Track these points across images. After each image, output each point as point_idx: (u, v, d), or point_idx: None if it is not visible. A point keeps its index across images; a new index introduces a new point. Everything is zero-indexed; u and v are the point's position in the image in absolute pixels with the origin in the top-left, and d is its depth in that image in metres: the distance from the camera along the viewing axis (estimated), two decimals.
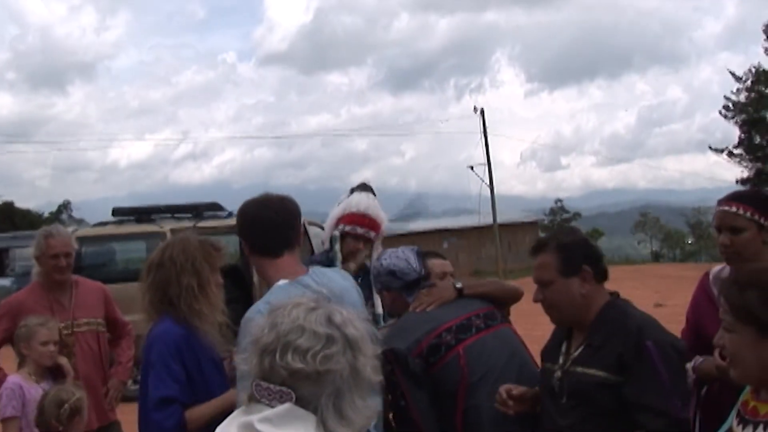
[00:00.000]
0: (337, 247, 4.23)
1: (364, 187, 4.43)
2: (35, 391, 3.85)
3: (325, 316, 1.61)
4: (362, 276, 4.05)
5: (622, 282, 22.39)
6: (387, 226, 4.43)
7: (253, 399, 1.59)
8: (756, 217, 3.00)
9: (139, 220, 10.54)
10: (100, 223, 10.63)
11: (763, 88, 39.50)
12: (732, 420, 2.02)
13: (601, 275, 2.75)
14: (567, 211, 64.17)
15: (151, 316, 3.05)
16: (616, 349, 2.60)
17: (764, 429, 1.85)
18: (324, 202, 4.31)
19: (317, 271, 2.74)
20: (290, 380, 1.55)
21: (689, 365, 3.25)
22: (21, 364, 4.02)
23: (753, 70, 39.89)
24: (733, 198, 3.12)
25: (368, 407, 1.62)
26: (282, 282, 2.61)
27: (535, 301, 2.80)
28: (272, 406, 1.55)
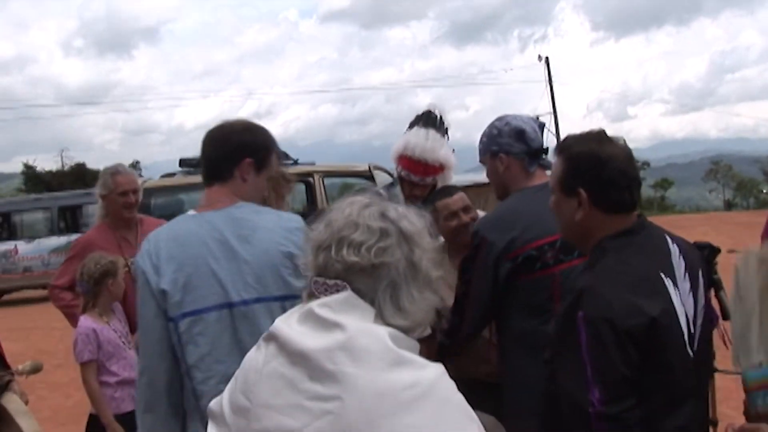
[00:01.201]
0: (397, 189, 4.05)
1: (427, 120, 4.04)
2: (107, 331, 3.99)
3: (379, 211, 1.61)
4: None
5: (693, 229, 21.96)
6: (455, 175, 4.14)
7: (311, 296, 1.60)
8: None
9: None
10: (167, 174, 10.73)
11: None
12: None
13: (611, 205, 2.24)
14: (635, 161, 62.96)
15: None
16: (561, 310, 2.23)
17: None
18: (389, 157, 4.07)
19: (244, 208, 2.53)
20: (345, 274, 1.56)
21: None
22: (87, 307, 4.08)
23: None
24: None
25: (426, 300, 1.61)
26: (187, 213, 2.60)
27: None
28: None
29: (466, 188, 3.97)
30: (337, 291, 1.56)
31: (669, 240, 2.27)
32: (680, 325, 2.13)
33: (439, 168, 3.95)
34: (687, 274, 2.21)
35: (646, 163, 65.35)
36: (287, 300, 2.37)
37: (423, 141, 3.87)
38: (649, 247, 2.23)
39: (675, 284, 2.16)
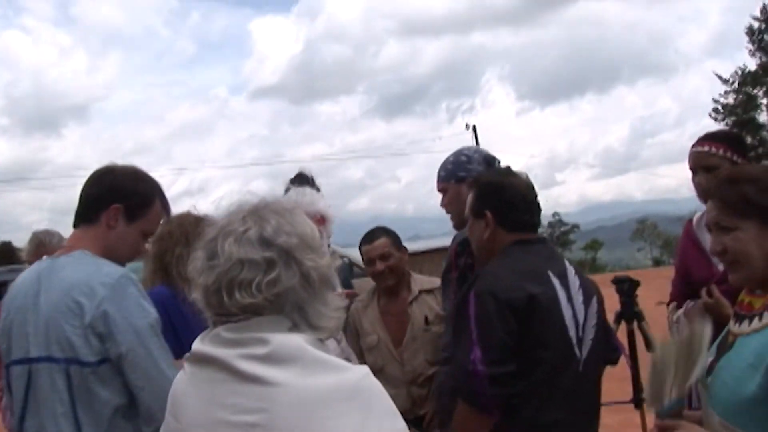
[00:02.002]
0: None
1: (301, 180, 4.24)
2: None
3: (257, 235, 1.55)
4: None
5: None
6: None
7: (216, 325, 1.59)
8: (728, 154, 3.08)
9: None
10: None
11: (751, 89, 39.81)
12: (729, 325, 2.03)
13: (512, 225, 2.60)
14: (565, 224, 64.25)
15: (149, 283, 3.17)
16: (457, 299, 2.61)
17: (759, 320, 1.87)
18: None
19: (73, 256, 2.37)
20: (247, 311, 1.53)
21: (680, 311, 3.32)
22: None
23: (739, 72, 40.26)
24: (705, 138, 3.20)
25: (332, 309, 1.61)
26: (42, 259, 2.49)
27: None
28: None
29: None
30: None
31: (566, 262, 2.61)
32: (562, 315, 2.43)
33: (321, 220, 3.90)
34: (581, 291, 2.53)
35: (576, 226, 66.77)
36: (71, 364, 2.21)
37: (301, 197, 3.92)
38: (545, 254, 2.59)
39: (564, 286, 2.47)
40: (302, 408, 1.42)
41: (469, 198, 2.71)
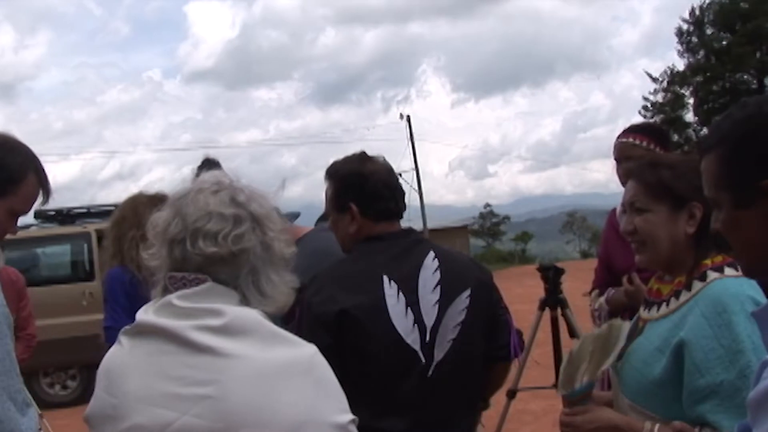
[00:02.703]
0: None
1: (210, 165, 4.19)
2: None
3: (229, 196, 1.58)
4: None
5: None
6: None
7: (166, 291, 1.56)
8: (651, 146, 3.18)
9: (62, 222, 10.28)
10: (22, 226, 10.33)
11: (678, 89, 40.98)
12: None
13: (376, 215, 2.44)
14: (496, 215, 65.13)
15: (108, 266, 3.46)
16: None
17: (666, 306, 1.94)
18: None
19: None
20: (205, 265, 1.53)
21: (602, 298, 3.40)
22: None
23: (669, 71, 41.39)
24: (630, 130, 3.30)
25: (285, 282, 1.62)
26: None
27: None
28: None
29: None
30: (197, 284, 1.52)
31: (431, 255, 2.42)
32: (390, 323, 2.28)
33: None
34: (439, 290, 2.37)
35: (507, 218, 67.83)
36: None
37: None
38: (393, 252, 2.42)
39: (405, 290, 2.33)
40: (258, 380, 1.41)
41: (329, 191, 2.53)
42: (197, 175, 4.15)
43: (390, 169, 2.54)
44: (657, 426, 1.83)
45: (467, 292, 2.40)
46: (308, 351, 1.51)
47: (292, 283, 1.64)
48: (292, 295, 1.65)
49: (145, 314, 1.55)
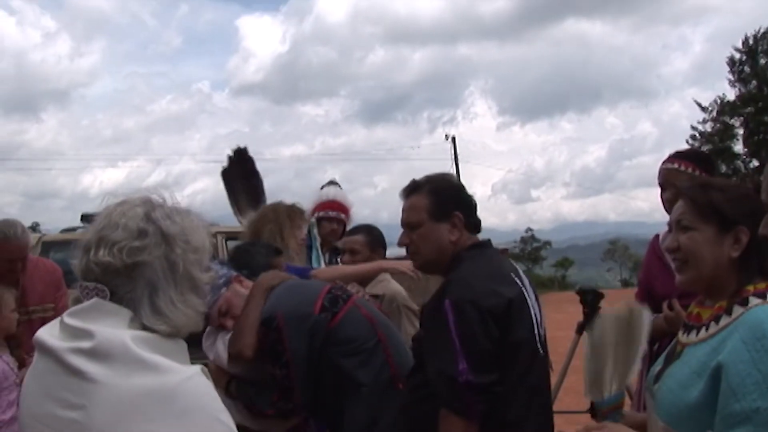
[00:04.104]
0: (315, 231, 4.63)
1: (331, 182, 5.00)
2: (1, 363, 3.85)
3: (144, 212, 1.58)
4: (332, 255, 4.68)
5: None
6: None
7: (79, 300, 1.57)
8: (696, 172, 3.17)
9: None
10: (68, 229, 10.53)
11: (728, 119, 40.40)
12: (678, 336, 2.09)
13: (473, 225, 2.63)
14: (537, 240, 64.65)
15: None
16: (428, 306, 2.54)
17: (706, 330, 1.91)
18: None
19: None
20: (103, 275, 1.52)
21: None
22: None
23: (718, 101, 40.85)
24: (675, 156, 3.30)
25: (188, 304, 1.58)
26: None
27: (400, 244, 2.73)
28: None
29: None
30: (96, 294, 1.52)
31: (511, 261, 2.70)
32: (531, 313, 2.47)
33: (347, 208, 4.79)
34: (532, 289, 2.58)
35: (548, 243, 67.25)
36: None
37: (333, 190, 4.86)
38: (497, 257, 2.67)
39: (524, 285, 2.52)
40: (117, 408, 1.40)
41: (424, 203, 2.60)
42: (321, 190, 4.86)
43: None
44: None
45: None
46: (175, 378, 1.44)
47: (199, 307, 1.61)
48: (197, 319, 1.61)
49: (48, 329, 1.56)
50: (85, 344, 1.45)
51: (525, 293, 2.50)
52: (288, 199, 4.30)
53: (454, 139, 37.43)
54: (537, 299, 2.60)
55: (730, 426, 1.75)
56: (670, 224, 2.09)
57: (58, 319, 1.56)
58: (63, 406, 1.44)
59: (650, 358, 3.23)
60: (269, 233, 3.91)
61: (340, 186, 5.03)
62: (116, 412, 1.39)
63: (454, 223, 2.57)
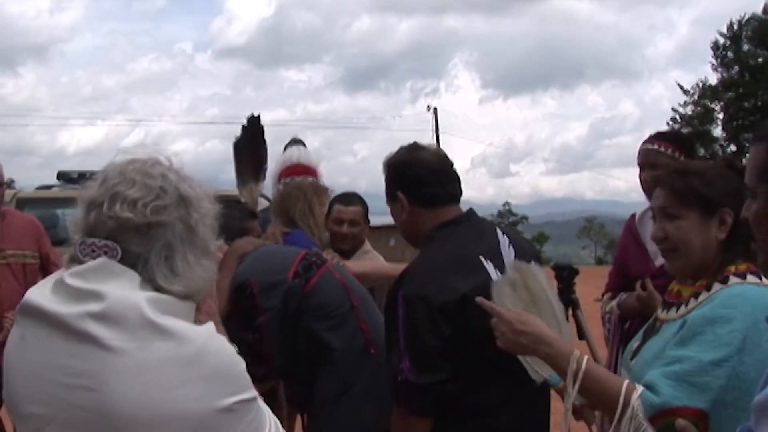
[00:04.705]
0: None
1: (294, 142, 4.65)
2: None
3: (160, 172, 1.51)
4: None
5: None
6: None
7: (75, 259, 1.46)
8: (676, 154, 3.18)
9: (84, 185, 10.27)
10: (43, 186, 10.40)
11: (709, 103, 40.62)
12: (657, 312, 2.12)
13: (426, 200, 2.48)
14: (515, 214, 64.99)
15: (279, 230, 3.92)
16: (388, 294, 2.46)
17: (685, 306, 1.95)
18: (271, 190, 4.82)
19: None
20: (117, 232, 1.44)
21: (614, 302, 3.40)
22: None
23: (700, 84, 41.03)
24: (655, 137, 3.30)
25: (203, 267, 1.53)
26: None
27: None
28: None
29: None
30: (105, 253, 1.43)
31: (499, 232, 2.51)
32: None
33: (313, 170, 4.41)
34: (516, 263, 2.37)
35: (525, 218, 67.67)
36: None
37: (297, 152, 4.47)
38: (472, 234, 2.47)
39: (498, 266, 2.35)
40: (139, 375, 1.34)
41: (385, 183, 2.60)
42: (283, 151, 4.52)
43: (441, 156, 2.57)
44: (586, 358, 1.85)
45: (534, 260, 2.39)
46: (196, 341, 1.40)
47: (211, 273, 1.57)
48: (208, 286, 1.57)
49: (38, 292, 1.45)
50: (94, 307, 1.36)
51: (496, 276, 2.30)
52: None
53: (435, 110, 37.40)
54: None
55: (662, 365, 1.79)
56: (652, 209, 2.10)
57: (49, 280, 1.47)
58: (69, 373, 1.35)
59: (621, 338, 3.28)
60: (300, 212, 4.00)
61: (304, 144, 4.70)
62: (139, 380, 1.34)
63: (401, 204, 2.51)
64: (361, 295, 3.06)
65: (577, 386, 1.82)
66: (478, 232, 2.49)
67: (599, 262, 53.60)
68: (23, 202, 8.71)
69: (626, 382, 1.80)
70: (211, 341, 1.43)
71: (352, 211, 3.98)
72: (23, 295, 3.90)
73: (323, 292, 2.92)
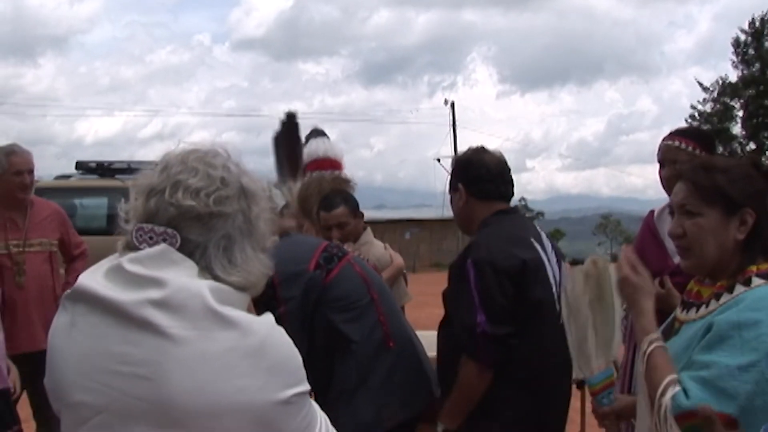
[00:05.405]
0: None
1: (317, 133, 4.70)
2: None
3: (222, 163, 1.50)
4: None
5: None
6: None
7: (130, 246, 1.44)
8: (696, 151, 3.15)
9: (102, 175, 10.35)
10: (61, 176, 10.49)
11: (729, 100, 40.24)
12: (676, 312, 2.10)
13: (481, 193, 2.95)
14: (530, 210, 64.74)
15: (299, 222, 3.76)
16: (453, 264, 2.92)
17: (705, 307, 1.92)
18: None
19: None
20: (178, 220, 1.42)
21: None
22: None
23: (720, 81, 40.64)
24: (676, 133, 3.27)
25: (261, 260, 1.51)
26: None
27: None
28: None
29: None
30: (164, 240, 1.41)
31: (537, 225, 3.00)
32: (548, 275, 2.79)
33: (340, 163, 4.61)
34: (554, 252, 2.88)
35: (541, 214, 67.35)
36: None
37: (323, 144, 4.61)
38: (521, 223, 3.05)
39: (543, 249, 2.82)
40: (201, 365, 1.32)
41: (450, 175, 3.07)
42: (306, 142, 4.66)
43: (501, 160, 3.02)
44: (655, 345, 1.86)
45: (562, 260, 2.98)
46: (258, 331, 1.38)
47: (268, 268, 1.54)
48: (265, 279, 1.54)
49: (92, 277, 1.42)
50: (155, 294, 1.34)
51: (544, 256, 2.83)
52: None
53: (453, 104, 37.32)
54: (560, 264, 2.92)
55: (689, 369, 1.78)
56: (670, 205, 2.07)
57: (101, 266, 1.43)
58: (126, 362, 1.32)
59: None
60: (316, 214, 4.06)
61: (327, 136, 4.79)
62: (200, 370, 1.31)
63: (460, 194, 2.97)
64: (381, 288, 3.09)
65: (643, 368, 1.86)
66: (525, 222, 3.03)
67: (615, 259, 53.37)
68: (41, 192, 8.74)
69: (670, 377, 1.78)
70: (273, 333, 1.42)
71: (335, 215, 4.03)
72: (48, 281, 3.96)
73: (343, 284, 2.94)
